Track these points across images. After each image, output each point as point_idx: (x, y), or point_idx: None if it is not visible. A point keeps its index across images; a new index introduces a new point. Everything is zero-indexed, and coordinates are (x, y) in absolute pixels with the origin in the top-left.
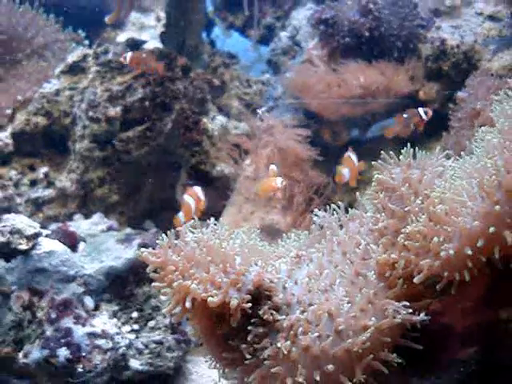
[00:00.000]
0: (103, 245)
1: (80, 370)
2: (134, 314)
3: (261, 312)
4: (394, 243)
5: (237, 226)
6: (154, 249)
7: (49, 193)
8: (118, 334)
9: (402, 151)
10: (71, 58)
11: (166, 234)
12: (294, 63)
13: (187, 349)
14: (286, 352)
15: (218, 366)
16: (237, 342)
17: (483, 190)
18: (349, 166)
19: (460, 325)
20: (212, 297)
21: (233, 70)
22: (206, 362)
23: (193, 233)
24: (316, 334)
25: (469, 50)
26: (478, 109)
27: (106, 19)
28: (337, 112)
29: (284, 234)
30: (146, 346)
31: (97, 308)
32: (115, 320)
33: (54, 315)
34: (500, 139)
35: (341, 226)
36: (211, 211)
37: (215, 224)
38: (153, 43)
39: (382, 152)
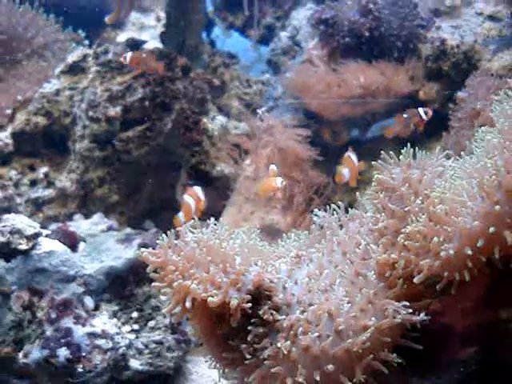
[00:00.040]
0: (103, 245)
1: (80, 369)
2: (134, 314)
3: (261, 312)
4: (393, 243)
5: (237, 226)
6: (154, 249)
7: (49, 193)
8: (118, 333)
9: (402, 151)
10: (71, 57)
11: (166, 234)
12: (294, 63)
13: (187, 349)
14: (286, 352)
15: (217, 365)
16: (237, 342)
17: (483, 190)
18: (349, 166)
19: (460, 325)
20: (212, 297)
21: (233, 70)
22: (206, 361)
23: (193, 233)
24: (316, 334)
25: (469, 50)
26: (477, 109)
27: (106, 19)
28: (337, 112)
29: (284, 234)
30: (146, 346)
31: (97, 308)
32: (115, 320)
33: (54, 315)
34: (500, 139)
35: (341, 226)
36: (211, 211)
37: (215, 224)
38: (153, 43)
39: (382, 152)
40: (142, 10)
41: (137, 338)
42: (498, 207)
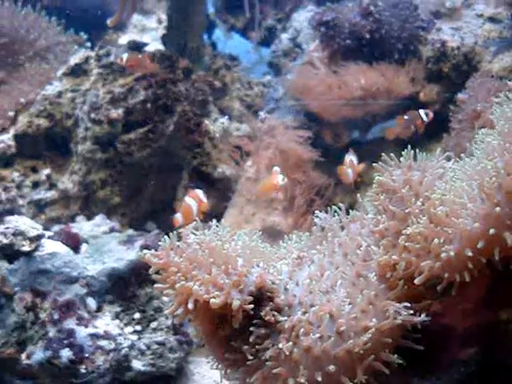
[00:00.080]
0: (105, 246)
1: (83, 370)
2: (137, 315)
3: (262, 313)
4: (394, 245)
5: (238, 228)
6: (156, 250)
7: (51, 194)
8: (120, 335)
9: (403, 153)
10: (73, 60)
11: (168, 236)
12: (295, 65)
13: (189, 350)
14: (287, 353)
15: (219, 366)
16: (239, 343)
17: (483, 191)
18: (349, 168)
19: (460, 326)
20: (214, 298)
21: (234, 72)
22: (208, 362)
23: (195, 234)
24: (317, 335)
25: (469, 52)
26: (478, 110)
27: (108, 21)
28: (338, 114)
29: (285, 236)
30: (149, 347)
31: (99, 309)
32: (118, 321)
33: (56, 316)
34: (500, 141)
35: (342, 228)
36: (213, 213)
37: (217, 226)
38: (154, 45)
39: (382, 154)
40: (143, 13)
41: (139, 339)
42: (498, 209)
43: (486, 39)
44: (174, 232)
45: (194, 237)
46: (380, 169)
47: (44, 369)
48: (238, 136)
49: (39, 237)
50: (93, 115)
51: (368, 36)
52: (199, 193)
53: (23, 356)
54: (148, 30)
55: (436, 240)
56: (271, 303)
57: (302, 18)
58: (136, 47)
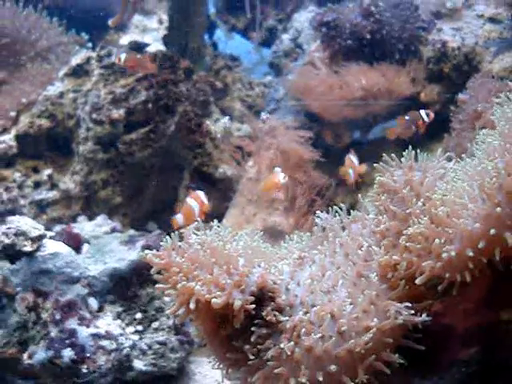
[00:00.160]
0: (107, 246)
1: (84, 370)
2: (138, 315)
3: (264, 313)
4: (395, 245)
5: (239, 228)
6: (157, 250)
7: (53, 195)
8: (121, 334)
9: (404, 153)
10: (75, 60)
11: (170, 236)
12: (296, 65)
13: (190, 349)
14: (289, 353)
15: (221, 366)
16: (240, 343)
17: (484, 192)
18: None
19: (461, 325)
20: (216, 298)
21: (235, 73)
22: (210, 362)
23: (196, 235)
24: (319, 335)
25: (470, 52)
26: (479, 111)
27: (110, 22)
28: (338, 114)
29: (286, 236)
30: (150, 347)
31: (101, 309)
32: (119, 321)
33: (58, 316)
34: (501, 142)
35: (343, 228)
36: (214, 213)
37: (218, 226)
38: (155, 46)
39: (383, 154)
40: (144, 13)
41: (140, 338)
42: (498, 209)
43: (486, 40)
44: (176, 232)
45: (196, 237)
46: (381, 169)
47: (46, 369)
48: (239, 136)
49: (41, 237)
50: (94, 115)
51: (369, 36)
52: (201, 194)
53: (25, 356)
54: (149, 31)
55: (437, 240)
56: (273, 303)
57: (302, 19)
58: (137, 48)
